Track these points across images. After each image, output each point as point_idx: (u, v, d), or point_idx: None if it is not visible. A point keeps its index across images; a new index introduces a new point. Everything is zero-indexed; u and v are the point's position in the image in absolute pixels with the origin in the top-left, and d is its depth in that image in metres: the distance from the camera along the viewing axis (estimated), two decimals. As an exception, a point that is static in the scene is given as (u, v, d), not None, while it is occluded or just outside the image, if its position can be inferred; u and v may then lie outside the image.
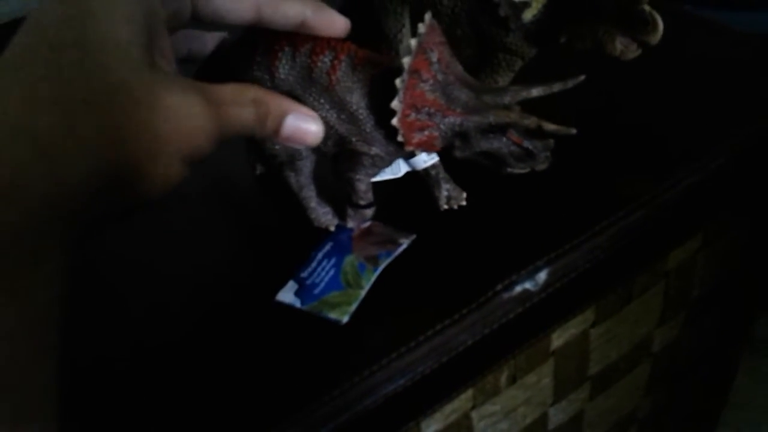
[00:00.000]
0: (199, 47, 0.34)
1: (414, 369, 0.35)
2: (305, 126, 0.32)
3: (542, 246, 0.38)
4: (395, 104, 0.33)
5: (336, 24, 0.34)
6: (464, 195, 0.41)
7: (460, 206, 0.41)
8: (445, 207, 0.40)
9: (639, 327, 0.49)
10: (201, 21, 0.31)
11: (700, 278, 0.50)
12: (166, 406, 0.34)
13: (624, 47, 0.38)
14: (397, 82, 0.33)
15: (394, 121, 0.34)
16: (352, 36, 0.43)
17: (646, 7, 0.36)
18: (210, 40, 0.35)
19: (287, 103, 0.32)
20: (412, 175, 0.41)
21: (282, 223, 0.43)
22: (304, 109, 0.32)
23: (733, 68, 0.49)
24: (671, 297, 0.49)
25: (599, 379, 0.49)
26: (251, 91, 0.30)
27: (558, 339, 0.42)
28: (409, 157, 0.39)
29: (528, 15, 0.39)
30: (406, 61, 0.33)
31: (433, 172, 0.40)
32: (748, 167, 0.45)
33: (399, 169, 0.42)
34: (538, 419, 0.47)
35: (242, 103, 0.30)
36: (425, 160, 0.40)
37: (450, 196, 0.40)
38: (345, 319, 0.36)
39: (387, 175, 0.42)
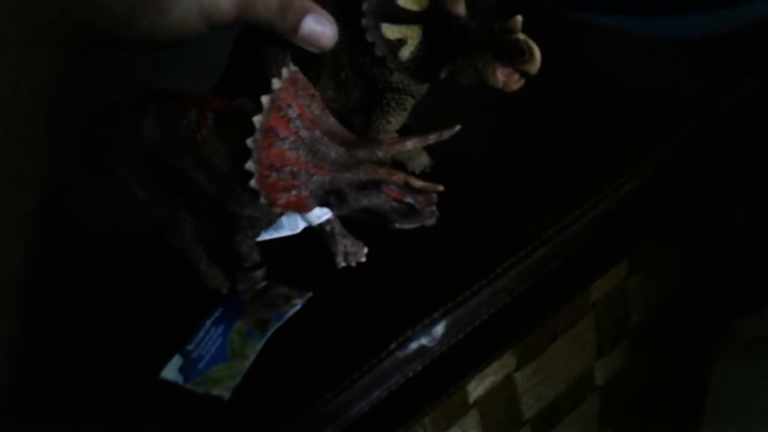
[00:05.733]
0: None
1: (303, 445, 0.32)
2: (321, 28, 0.33)
3: (438, 297, 0.35)
4: (250, 165, 0.31)
5: None
6: (365, 250, 0.37)
7: (359, 263, 0.38)
8: (343, 264, 0.37)
9: (573, 363, 0.46)
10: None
11: (635, 305, 0.48)
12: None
13: (506, 78, 0.35)
14: (248, 142, 0.31)
15: (252, 183, 0.31)
16: (242, 92, 0.42)
17: (521, 36, 0.34)
18: None
19: (309, 2, 0.33)
20: (311, 230, 0.38)
21: (180, 285, 0.40)
22: (323, 11, 0.33)
23: (644, 81, 0.47)
24: (604, 328, 0.46)
25: (539, 421, 0.47)
26: None
27: (476, 389, 0.40)
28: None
29: (405, 52, 0.37)
30: (256, 120, 0.31)
31: (327, 228, 0.36)
32: (662, 190, 0.42)
33: (297, 225, 0.40)
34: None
35: None
36: (319, 215, 0.37)
37: (348, 252, 0.37)
38: (227, 395, 0.33)
39: (285, 231, 0.40)
